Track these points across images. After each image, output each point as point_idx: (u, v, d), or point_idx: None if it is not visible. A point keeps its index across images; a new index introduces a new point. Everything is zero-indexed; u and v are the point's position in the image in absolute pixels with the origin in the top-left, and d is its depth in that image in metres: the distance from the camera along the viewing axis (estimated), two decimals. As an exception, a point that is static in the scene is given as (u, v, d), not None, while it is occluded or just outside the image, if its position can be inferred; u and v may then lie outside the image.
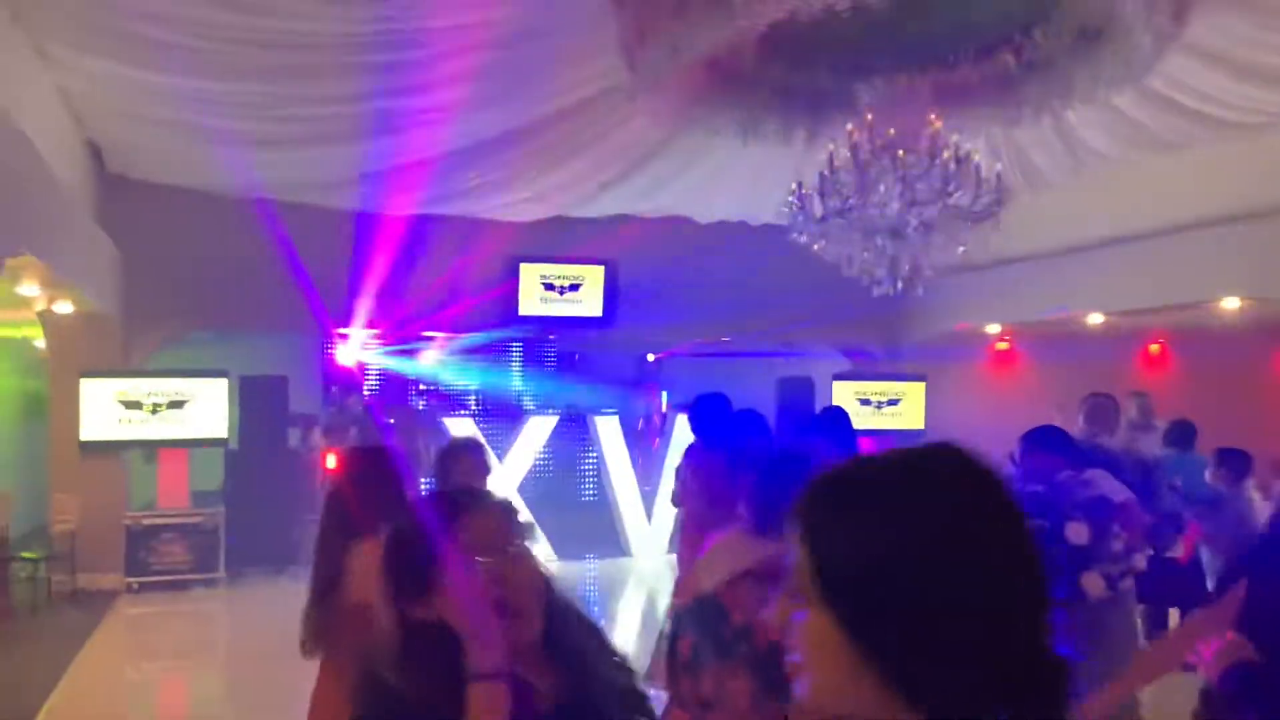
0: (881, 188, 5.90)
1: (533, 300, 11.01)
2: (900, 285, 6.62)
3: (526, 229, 10.59)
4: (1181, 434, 6.27)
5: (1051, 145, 8.20)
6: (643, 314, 11.21)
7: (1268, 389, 13.72)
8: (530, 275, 10.97)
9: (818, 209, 6.26)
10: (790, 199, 6.52)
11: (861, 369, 12.86)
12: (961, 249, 6.41)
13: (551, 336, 11.83)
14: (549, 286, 11.05)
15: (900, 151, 5.86)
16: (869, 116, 6.14)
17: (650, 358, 12.89)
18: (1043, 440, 3.81)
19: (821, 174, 6.19)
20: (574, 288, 11.13)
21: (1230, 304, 9.66)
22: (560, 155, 8.02)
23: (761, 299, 11.55)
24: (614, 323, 11.30)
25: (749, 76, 6.67)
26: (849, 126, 6.27)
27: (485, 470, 4.13)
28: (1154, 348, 14.43)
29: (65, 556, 9.16)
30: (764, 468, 2.61)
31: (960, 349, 12.93)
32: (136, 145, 8.51)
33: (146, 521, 9.59)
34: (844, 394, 12.32)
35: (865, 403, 12.34)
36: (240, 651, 7.99)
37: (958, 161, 6.00)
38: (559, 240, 10.86)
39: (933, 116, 6.12)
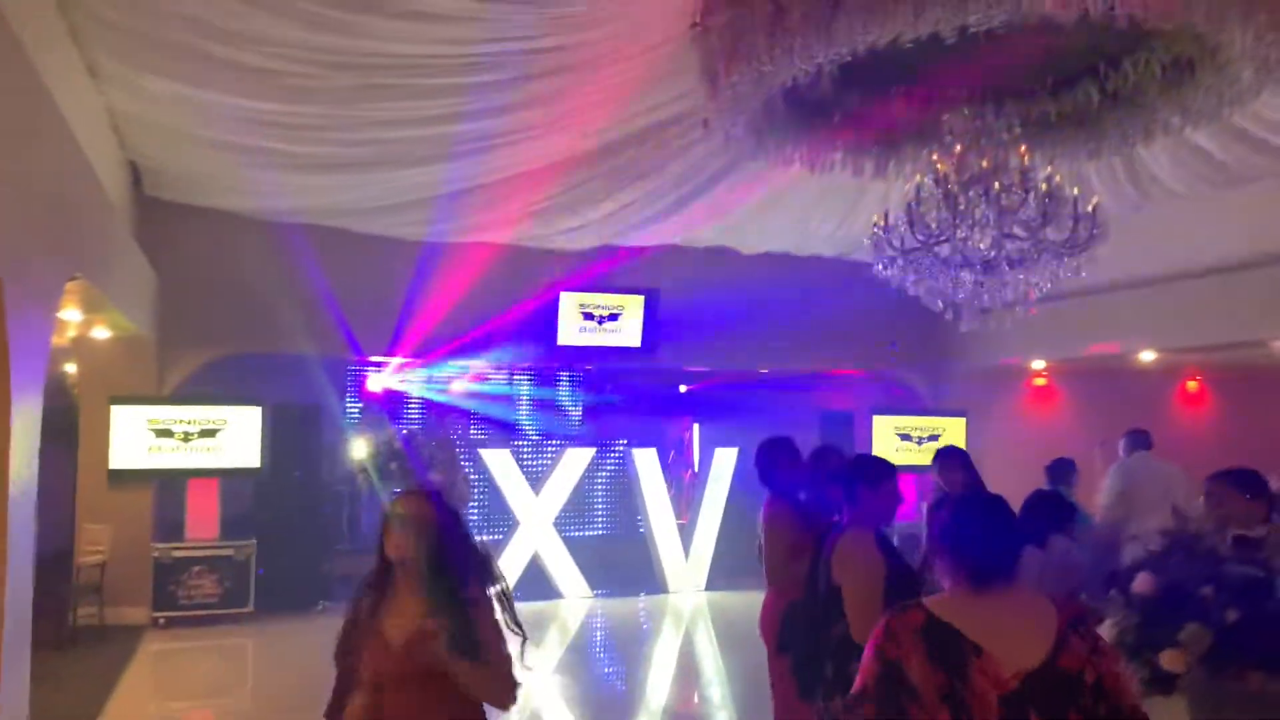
0: (973, 221, 5.70)
1: (571, 330, 10.77)
2: (984, 319, 6.40)
3: (569, 258, 10.38)
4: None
5: (1118, 178, 8.03)
6: (681, 345, 11.00)
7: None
8: (570, 304, 10.74)
9: (905, 240, 6.06)
10: (875, 230, 6.32)
11: (901, 403, 12.63)
12: (1048, 285, 6.20)
13: (589, 367, 11.59)
14: (588, 316, 10.82)
15: (996, 184, 5.67)
16: (958, 147, 5.95)
17: (682, 389, 12.64)
18: None
19: (910, 204, 6.00)
20: (613, 317, 10.90)
21: (1290, 343, 9.48)
22: (623, 181, 7.82)
23: (801, 332, 11.35)
24: (653, 353, 11.07)
25: (824, 104, 6.50)
26: (934, 157, 6.08)
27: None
28: (1192, 385, 14.29)
29: (93, 589, 8.83)
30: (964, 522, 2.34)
31: (999, 384, 12.73)
32: (179, 167, 8.28)
33: (176, 553, 9.28)
34: (884, 429, 12.11)
35: (905, 438, 12.12)
36: (269, 692, 7.67)
37: (1050, 196, 5.81)
38: (601, 269, 10.65)
39: (1022, 148, 5.94)
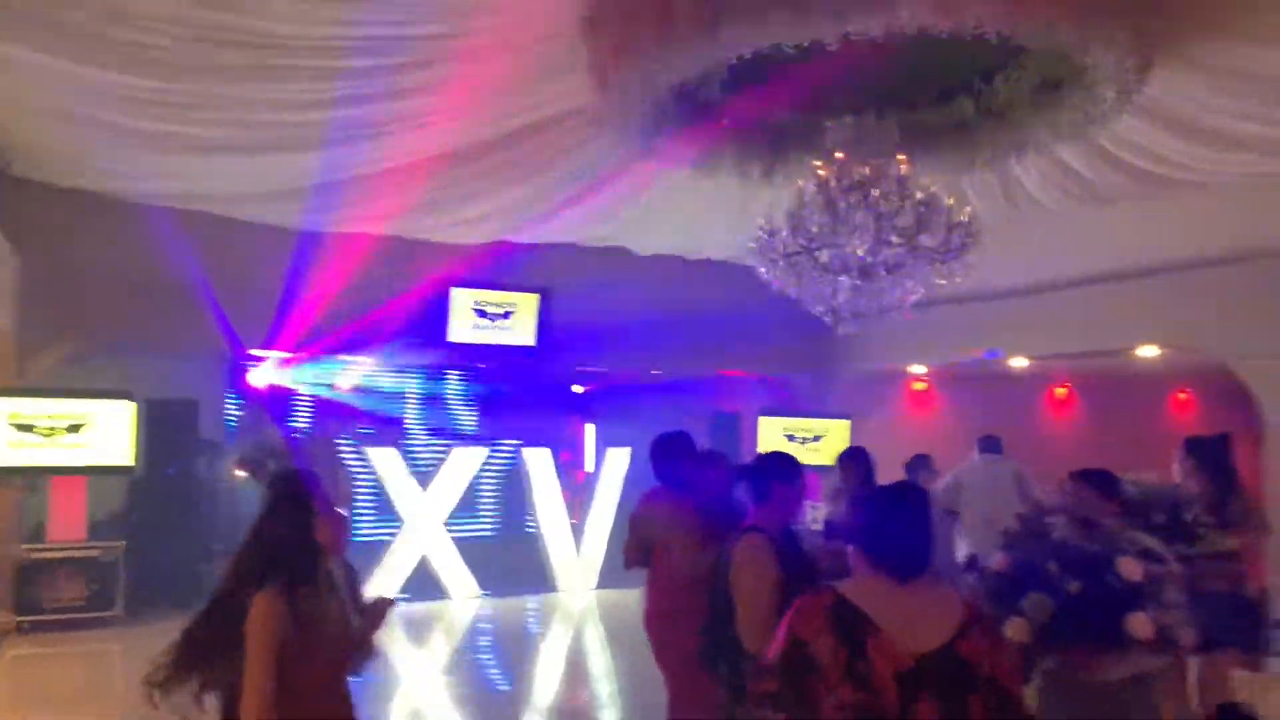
0: (854, 226, 5.88)
1: (464, 327, 10.65)
2: (857, 323, 6.61)
3: (460, 253, 10.24)
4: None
5: (992, 191, 8.38)
6: (576, 345, 10.99)
7: (1164, 432, 14.38)
8: (462, 300, 10.62)
9: (787, 245, 6.20)
10: (759, 233, 6.45)
11: (787, 406, 12.90)
12: (921, 290, 6.44)
13: (481, 365, 11.47)
14: (481, 313, 10.72)
15: (875, 191, 5.86)
16: (838, 154, 6.13)
17: (577, 389, 12.63)
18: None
19: (791, 210, 6.14)
20: (507, 315, 10.83)
21: (1148, 352, 10.05)
22: (514, 175, 7.77)
23: (692, 334, 11.49)
24: (547, 352, 11.04)
25: (713, 108, 6.61)
26: (817, 163, 6.24)
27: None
28: (1060, 391, 15.00)
29: (-55, 592, 8.30)
30: (885, 516, 2.49)
31: (881, 388, 13.13)
32: (45, 145, 7.86)
33: (38, 555, 8.80)
34: (771, 429, 12.35)
35: (791, 438, 12.38)
36: (136, 699, 7.33)
37: (925, 205, 6.03)
38: (492, 266, 10.54)
39: (902, 157, 6.15)
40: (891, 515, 2.46)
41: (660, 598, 4.75)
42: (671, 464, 4.94)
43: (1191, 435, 5.53)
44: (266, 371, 10.71)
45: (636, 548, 4.89)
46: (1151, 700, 3.47)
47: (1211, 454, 5.17)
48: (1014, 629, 3.33)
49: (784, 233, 6.15)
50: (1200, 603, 3.58)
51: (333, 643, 2.86)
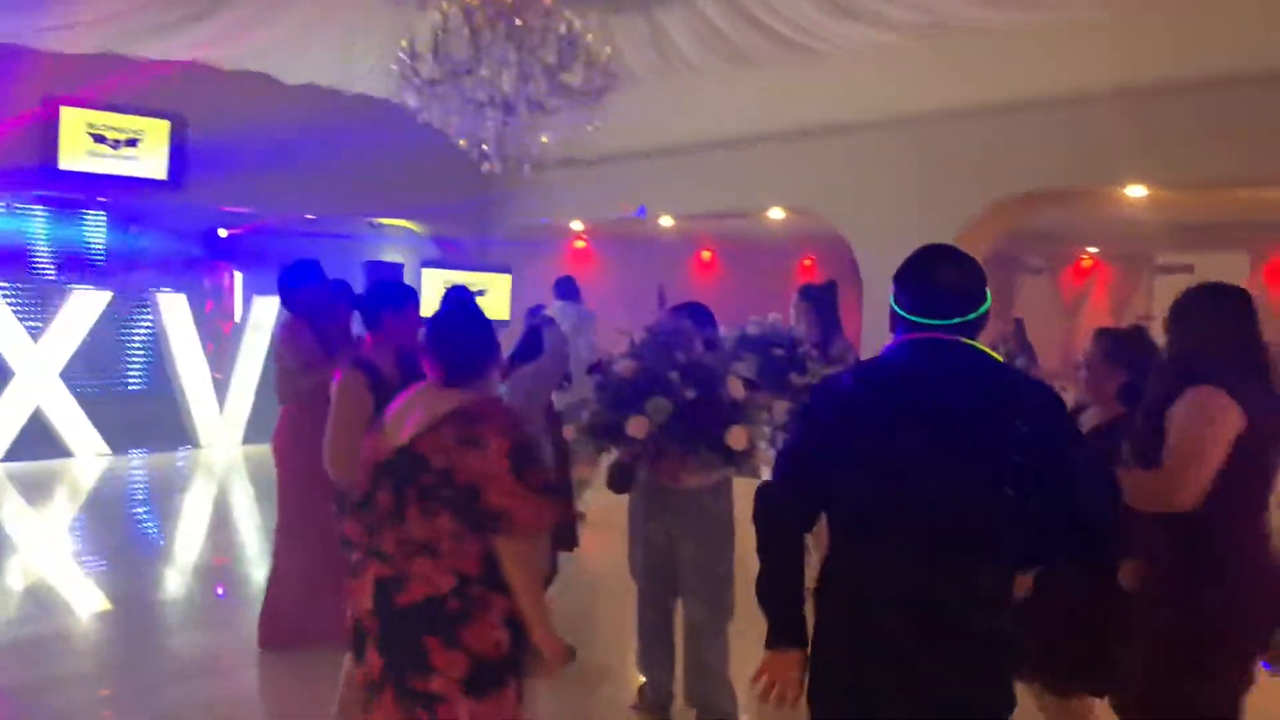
0: (497, 59, 5.84)
1: (78, 153, 9.42)
2: (506, 164, 6.65)
3: (69, 63, 8.91)
4: None
5: (644, 41, 8.60)
6: (217, 181, 10.13)
7: (790, 291, 16.08)
8: (74, 122, 9.36)
9: (430, 70, 6.05)
10: (401, 56, 6.21)
11: (449, 258, 12.85)
12: (560, 132, 6.55)
13: (102, 199, 10.27)
14: (99, 139, 9.52)
15: (518, 19, 5.83)
16: (485, -22, 6.00)
17: (222, 233, 11.71)
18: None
19: (436, 33, 5.97)
20: (132, 143, 9.71)
21: (777, 214, 11.06)
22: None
23: (350, 178, 11.01)
24: (182, 188, 10.08)
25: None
26: (464, -13, 6.07)
27: None
28: (705, 254, 16.22)
29: None
30: (443, 325, 2.67)
31: (542, 244, 13.44)
32: None
33: None
34: (433, 281, 12.27)
35: (461, 290, 12.40)
36: None
37: (569, 41, 6.11)
38: (113, 83, 9.32)
39: (548, -11, 6.13)
40: (449, 326, 2.65)
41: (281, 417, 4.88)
42: (297, 291, 5.04)
43: (805, 283, 6.27)
44: None
45: (281, 378, 4.90)
46: (725, 499, 3.97)
47: (820, 299, 5.90)
48: (634, 425, 3.65)
49: (428, 57, 5.98)
50: None
51: None
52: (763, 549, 2.29)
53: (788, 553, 2.26)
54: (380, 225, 12.64)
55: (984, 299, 2.20)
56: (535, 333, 4.84)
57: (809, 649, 2.23)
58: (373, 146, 10.81)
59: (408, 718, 2.43)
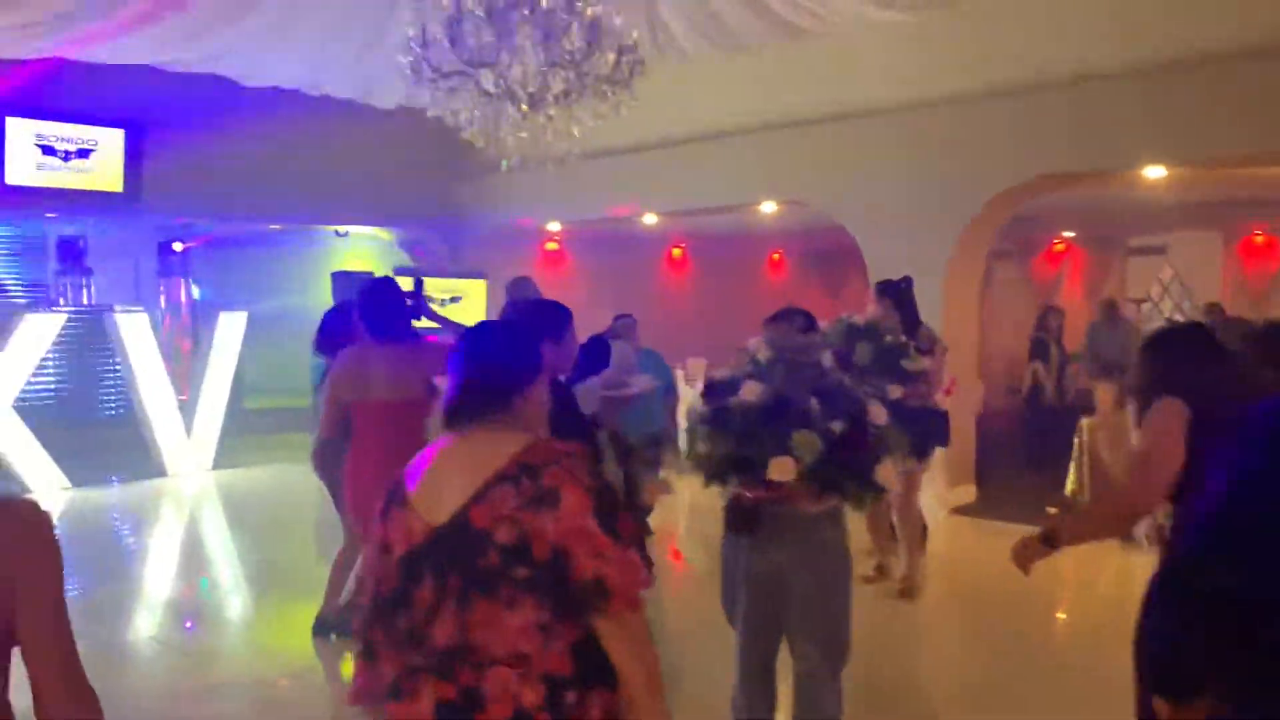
0: (518, 46, 5.39)
1: (25, 166, 8.69)
2: (523, 161, 6.20)
3: (14, 71, 8.20)
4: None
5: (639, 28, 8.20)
6: (174, 192, 9.46)
7: (763, 288, 15.87)
8: (22, 133, 8.63)
9: (446, 62, 5.56)
10: (412, 47, 5.70)
11: (422, 266, 12.30)
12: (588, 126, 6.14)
13: (52, 214, 9.51)
14: (49, 150, 8.80)
15: (544, 2, 5.38)
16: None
17: (177, 246, 10.99)
18: None
19: (451, 20, 5.48)
20: (84, 154, 9.00)
21: (769, 208, 10.74)
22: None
23: (316, 183, 10.42)
24: (138, 199, 9.39)
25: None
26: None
27: None
28: (676, 251, 15.88)
29: None
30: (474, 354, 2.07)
31: (514, 247, 12.93)
32: None
33: None
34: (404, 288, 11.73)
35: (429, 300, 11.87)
36: None
37: (595, 24, 5.69)
38: (63, 93, 8.62)
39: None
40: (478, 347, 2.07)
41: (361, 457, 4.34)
42: (386, 316, 4.45)
43: (881, 280, 6.14)
44: None
45: (338, 415, 4.40)
46: (841, 525, 3.50)
47: (899, 292, 5.92)
48: (778, 469, 3.02)
49: (444, 43, 5.47)
50: (907, 418, 3.84)
51: None
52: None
53: None
54: (347, 234, 12.04)
55: None
56: (602, 343, 4.35)
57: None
58: (338, 150, 10.27)
59: None
